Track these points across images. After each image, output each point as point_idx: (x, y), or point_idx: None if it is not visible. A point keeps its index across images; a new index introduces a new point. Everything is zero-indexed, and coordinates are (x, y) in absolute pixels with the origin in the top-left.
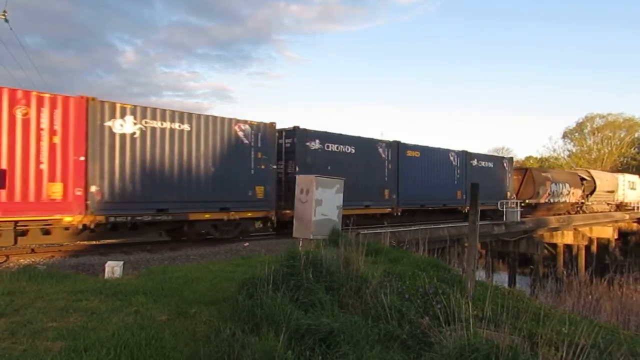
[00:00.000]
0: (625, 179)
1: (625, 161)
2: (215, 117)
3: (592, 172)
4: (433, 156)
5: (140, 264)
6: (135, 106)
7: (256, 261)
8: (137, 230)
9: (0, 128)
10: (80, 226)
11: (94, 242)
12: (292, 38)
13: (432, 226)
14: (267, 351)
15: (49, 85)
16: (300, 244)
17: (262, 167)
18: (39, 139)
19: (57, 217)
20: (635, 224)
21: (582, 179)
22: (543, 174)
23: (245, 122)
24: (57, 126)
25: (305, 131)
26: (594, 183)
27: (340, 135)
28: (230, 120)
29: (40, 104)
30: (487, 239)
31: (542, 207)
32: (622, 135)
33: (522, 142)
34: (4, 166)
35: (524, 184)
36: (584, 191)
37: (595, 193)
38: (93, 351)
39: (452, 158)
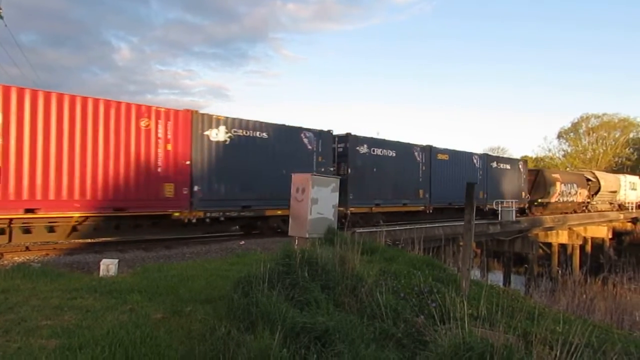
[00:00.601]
0: (626, 179)
1: (619, 161)
2: (286, 126)
3: (597, 173)
4: (459, 159)
5: (135, 262)
6: (227, 117)
7: (252, 259)
8: (221, 224)
9: (129, 137)
10: (186, 220)
11: (88, 240)
12: (288, 36)
13: (428, 225)
14: (262, 349)
15: (44, 83)
16: (296, 243)
17: (322, 169)
18: (156, 146)
19: (169, 212)
20: (629, 224)
21: (588, 179)
22: (553, 175)
23: (309, 129)
24: (170, 135)
25: (356, 137)
26: (599, 184)
27: (384, 140)
28: (298, 128)
29: (157, 117)
30: (482, 238)
31: (552, 206)
32: (617, 136)
33: (518, 142)
34: (133, 169)
35: (536, 184)
36: (589, 191)
37: (599, 193)
38: (88, 349)
39: (475, 160)
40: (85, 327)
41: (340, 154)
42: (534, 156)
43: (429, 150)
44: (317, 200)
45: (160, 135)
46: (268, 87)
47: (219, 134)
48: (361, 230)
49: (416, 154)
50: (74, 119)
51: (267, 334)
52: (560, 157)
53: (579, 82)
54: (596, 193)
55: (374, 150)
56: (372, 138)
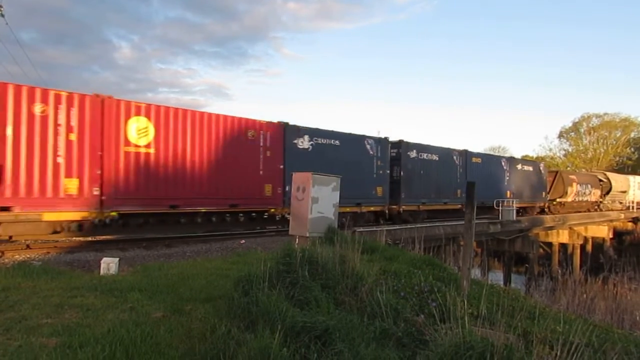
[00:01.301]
0: (635, 180)
1: (620, 161)
2: (353, 134)
3: (608, 174)
4: (490, 162)
5: (135, 260)
6: (309, 127)
7: (252, 258)
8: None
9: (240, 146)
10: (279, 216)
11: (89, 239)
12: (289, 35)
13: (428, 224)
14: (262, 348)
15: (45, 81)
16: (297, 242)
17: (381, 172)
18: (258, 153)
19: (268, 208)
20: (630, 224)
21: (600, 180)
22: (570, 176)
23: (371, 137)
24: (269, 144)
25: (407, 143)
26: (610, 184)
27: (428, 146)
28: (362, 136)
29: (261, 128)
30: (483, 237)
31: (569, 205)
32: (617, 135)
33: (518, 141)
34: (243, 174)
35: (555, 184)
36: (601, 191)
37: (610, 193)
38: (88, 347)
39: (503, 163)
40: (86, 325)
41: (393, 158)
42: (535, 155)
43: (465, 155)
44: (317, 199)
45: (262, 144)
46: (269, 85)
47: (304, 142)
48: (361, 229)
49: (455, 157)
50: (210, 135)
51: (267, 333)
52: (561, 156)
53: (580, 82)
54: (607, 193)
55: (421, 155)
56: (419, 144)
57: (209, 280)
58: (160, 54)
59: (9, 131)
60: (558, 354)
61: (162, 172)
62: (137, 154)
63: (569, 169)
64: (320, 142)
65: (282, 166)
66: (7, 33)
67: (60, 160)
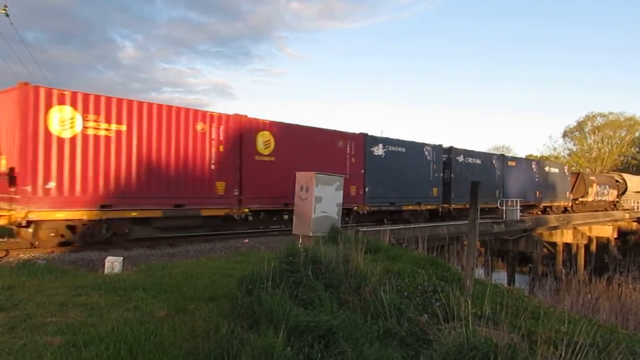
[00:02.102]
0: None
1: (625, 160)
2: (415, 142)
3: (624, 175)
4: (523, 165)
5: (139, 259)
6: (383, 137)
7: (255, 258)
8: (372, 215)
9: (333, 154)
10: (362, 212)
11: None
12: (292, 35)
13: (432, 224)
14: (266, 348)
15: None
16: (300, 241)
17: (436, 175)
18: (345, 159)
19: (353, 206)
20: (635, 223)
21: (617, 181)
22: (591, 177)
23: (428, 144)
24: (352, 151)
25: (457, 149)
26: (626, 184)
27: (473, 151)
28: (422, 144)
29: (348, 139)
30: (487, 237)
31: (589, 204)
32: (622, 135)
33: (523, 141)
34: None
35: (577, 185)
36: (618, 191)
37: (626, 193)
38: (92, 346)
39: (533, 166)
40: (90, 324)
41: (444, 162)
42: (539, 155)
43: (502, 158)
44: (321, 198)
45: (348, 152)
46: (272, 85)
47: (378, 150)
48: (365, 229)
49: (494, 161)
50: (311, 145)
51: (271, 333)
52: (566, 156)
53: (584, 81)
54: (623, 193)
55: (467, 159)
56: (465, 150)
57: (212, 279)
58: (164, 54)
59: (182, 145)
60: (562, 354)
61: (280, 176)
62: (263, 162)
63: (573, 168)
64: (390, 149)
65: (362, 170)
66: (12, 33)
67: (213, 166)
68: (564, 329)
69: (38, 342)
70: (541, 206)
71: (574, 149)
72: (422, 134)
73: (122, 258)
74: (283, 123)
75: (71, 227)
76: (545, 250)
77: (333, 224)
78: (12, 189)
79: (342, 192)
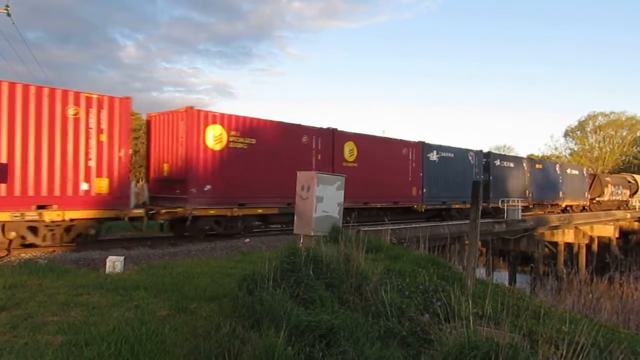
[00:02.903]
0: None
1: (627, 160)
2: (461, 148)
3: (635, 176)
4: (548, 168)
5: (141, 259)
6: (436, 145)
7: (256, 257)
8: (426, 212)
9: (398, 160)
10: (421, 210)
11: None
12: (293, 34)
13: (433, 224)
14: (267, 347)
15: (51, 80)
16: (301, 241)
17: (477, 177)
18: (407, 164)
19: (413, 204)
20: (636, 223)
21: (629, 181)
22: (606, 178)
23: (472, 150)
24: (413, 157)
25: (495, 154)
26: (637, 185)
27: (506, 155)
28: (467, 150)
29: (408, 146)
30: (488, 237)
31: (604, 204)
32: (624, 134)
33: (524, 141)
34: (403, 179)
35: (594, 185)
36: (630, 191)
37: (637, 193)
38: (94, 345)
39: (557, 168)
40: (92, 323)
41: (484, 166)
42: (540, 155)
43: (531, 161)
44: (322, 198)
45: (410, 158)
46: (273, 84)
47: (433, 156)
48: (366, 228)
49: (524, 164)
50: (387, 152)
51: (272, 332)
52: (567, 155)
53: (586, 81)
54: (635, 193)
55: (502, 163)
56: (501, 154)
57: (213, 279)
58: (165, 53)
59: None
60: (564, 354)
61: (361, 180)
62: (348, 167)
63: (620, 173)
64: (442, 155)
65: (421, 174)
66: (13, 32)
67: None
68: (565, 328)
69: (39, 341)
70: (563, 205)
71: (576, 149)
72: (423, 133)
73: (123, 257)
74: (365, 135)
75: (217, 222)
76: (546, 249)
77: (334, 224)
78: (177, 191)
79: (343, 191)
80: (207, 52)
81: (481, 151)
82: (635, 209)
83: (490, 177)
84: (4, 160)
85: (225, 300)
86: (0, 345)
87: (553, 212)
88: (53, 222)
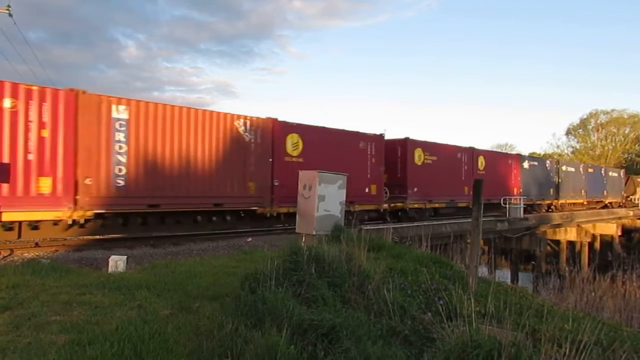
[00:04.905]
0: None
1: (629, 157)
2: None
3: None
4: (597, 171)
5: (143, 258)
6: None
7: (259, 256)
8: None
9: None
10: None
11: (97, 237)
12: (294, 34)
13: (435, 222)
14: (269, 346)
15: (52, 80)
16: (303, 240)
17: (550, 180)
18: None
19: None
20: (639, 221)
21: None
22: (638, 179)
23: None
24: (466, 160)
25: (523, 156)
26: None
27: (534, 157)
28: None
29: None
30: (490, 235)
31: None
32: (626, 132)
33: (526, 139)
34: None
35: (628, 185)
36: None
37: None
38: (97, 345)
39: (602, 171)
40: (94, 322)
41: (555, 170)
42: (542, 153)
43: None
44: (324, 197)
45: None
46: (274, 84)
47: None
48: (368, 227)
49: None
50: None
51: (274, 331)
52: (569, 153)
53: (587, 79)
54: None
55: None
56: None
57: (216, 278)
58: (166, 53)
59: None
60: (566, 352)
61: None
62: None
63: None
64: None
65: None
66: (15, 33)
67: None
68: (568, 327)
69: (43, 340)
70: (607, 202)
71: (578, 147)
72: (423, 133)
73: (125, 257)
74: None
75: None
76: (548, 248)
77: (336, 223)
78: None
79: (345, 190)
80: (208, 52)
81: (518, 155)
82: (637, 207)
83: (559, 180)
84: None
85: (227, 299)
86: (3, 344)
87: (595, 208)
88: None
